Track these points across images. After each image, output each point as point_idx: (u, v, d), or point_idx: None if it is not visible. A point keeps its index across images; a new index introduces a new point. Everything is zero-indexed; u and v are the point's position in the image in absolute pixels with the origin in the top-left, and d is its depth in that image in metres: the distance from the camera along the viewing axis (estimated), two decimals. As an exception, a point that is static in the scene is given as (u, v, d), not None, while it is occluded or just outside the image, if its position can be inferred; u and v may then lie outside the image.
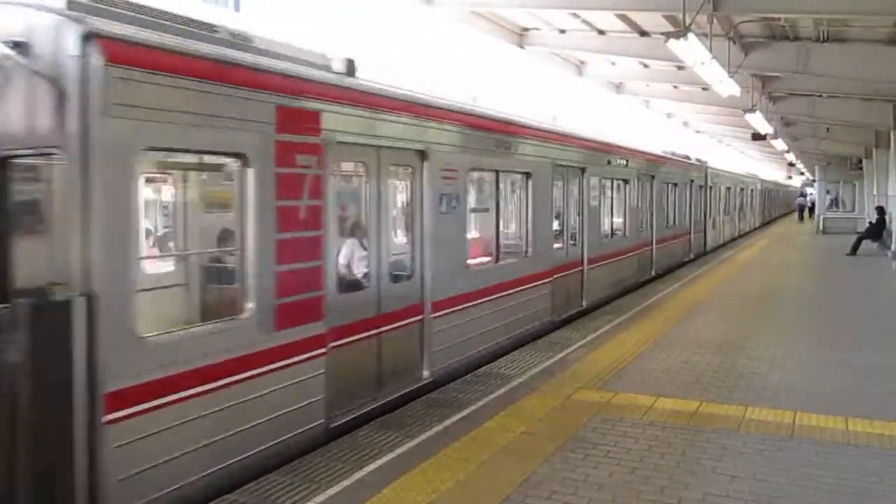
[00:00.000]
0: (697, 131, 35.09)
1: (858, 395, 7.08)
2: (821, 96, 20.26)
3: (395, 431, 5.97)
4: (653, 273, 16.52)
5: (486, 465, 5.25)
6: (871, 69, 14.89)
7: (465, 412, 6.45)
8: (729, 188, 28.43)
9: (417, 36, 50.09)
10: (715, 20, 12.72)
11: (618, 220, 14.32)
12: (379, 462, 5.31)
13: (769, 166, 57.33)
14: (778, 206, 54.18)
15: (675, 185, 18.70)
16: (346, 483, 4.94)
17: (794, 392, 7.19)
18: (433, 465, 5.23)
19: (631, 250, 14.87)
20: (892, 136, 20.48)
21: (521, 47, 16.14)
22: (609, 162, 13.10)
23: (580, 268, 11.90)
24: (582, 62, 19.72)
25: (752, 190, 36.73)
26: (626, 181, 14.38)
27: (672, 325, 10.70)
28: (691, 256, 20.90)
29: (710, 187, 23.83)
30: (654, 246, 16.63)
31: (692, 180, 20.81)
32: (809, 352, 9.07)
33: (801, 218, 47.88)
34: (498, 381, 7.52)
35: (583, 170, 11.72)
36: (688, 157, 21.01)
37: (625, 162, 14.13)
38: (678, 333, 10.03)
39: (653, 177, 16.25)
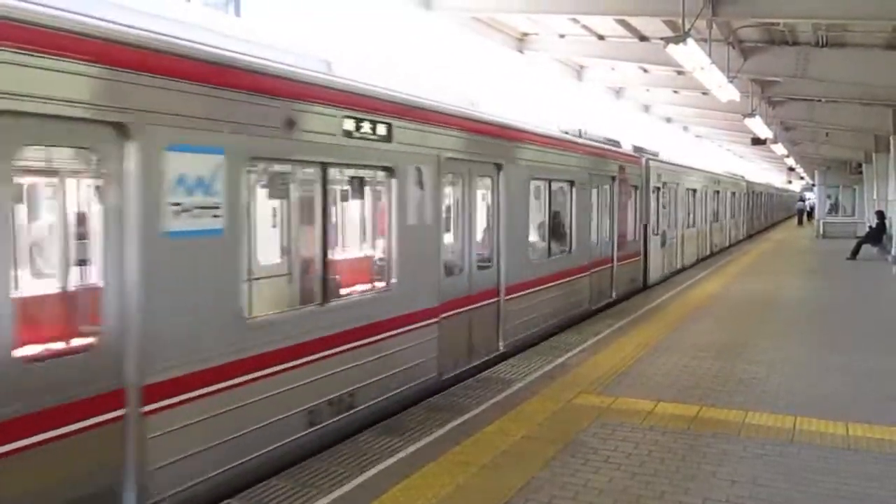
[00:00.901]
0: (697, 136, 35.15)
1: (859, 400, 7.09)
2: (820, 101, 20.29)
3: (396, 436, 5.98)
4: (500, 347, 9.11)
5: (487, 470, 5.26)
6: (871, 74, 14.94)
7: (465, 416, 6.47)
8: (694, 190, 21.69)
9: (417, 40, 50.17)
10: (714, 25, 12.75)
11: (377, 258, 7.92)
12: (380, 466, 5.31)
13: (768, 170, 57.34)
14: (773, 212, 50.96)
15: (572, 183, 11.71)
16: (346, 488, 4.94)
17: (795, 396, 7.20)
18: (434, 470, 5.24)
19: (418, 319, 7.33)
20: (891, 141, 20.50)
21: (521, 52, 16.17)
22: (291, 123, 5.56)
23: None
24: (582, 67, 19.76)
25: (733, 193, 30.24)
26: (390, 171, 6.89)
27: (671, 329, 10.71)
28: (613, 297, 13.72)
29: (658, 188, 17.07)
30: (503, 298, 9.14)
31: (614, 178, 13.80)
32: (809, 356, 9.08)
33: (801, 222, 48.16)
34: (498, 385, 7.53)
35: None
36: (614, 143, 14.51)
37: (383, 128, 6.64)
38: (678, 338, 10.05)
39: (499, 167, 9.04)
